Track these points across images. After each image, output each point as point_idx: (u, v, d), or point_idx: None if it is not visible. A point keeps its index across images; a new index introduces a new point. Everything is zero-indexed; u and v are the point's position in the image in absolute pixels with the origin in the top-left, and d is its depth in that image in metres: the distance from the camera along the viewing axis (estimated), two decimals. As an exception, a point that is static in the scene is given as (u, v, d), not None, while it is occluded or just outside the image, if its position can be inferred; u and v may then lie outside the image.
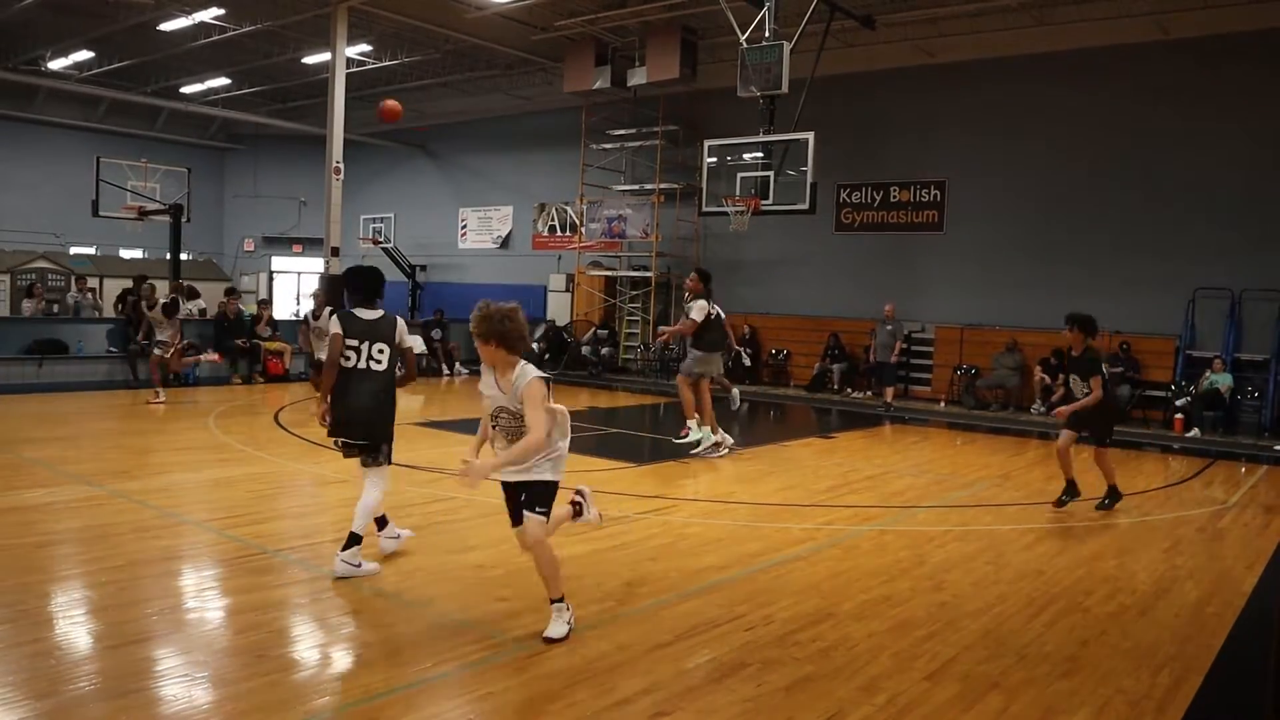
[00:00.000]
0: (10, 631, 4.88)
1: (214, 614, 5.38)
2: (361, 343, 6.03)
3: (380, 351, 6.07)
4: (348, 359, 6.01)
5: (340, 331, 6.03)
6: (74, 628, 5.11)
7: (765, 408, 17.69)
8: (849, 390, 18.79)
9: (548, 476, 4.93)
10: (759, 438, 13.70)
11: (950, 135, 18.68)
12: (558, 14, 18.76)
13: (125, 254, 27.32)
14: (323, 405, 6.18)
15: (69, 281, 22.84)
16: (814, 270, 20.34)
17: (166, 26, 20.23)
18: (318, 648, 4.93)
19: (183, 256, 20.90)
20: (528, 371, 4.75)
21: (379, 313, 6.17)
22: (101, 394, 15.39)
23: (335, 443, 6.24)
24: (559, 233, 24.49)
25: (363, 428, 6.10)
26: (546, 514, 4.95)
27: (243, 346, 17.79)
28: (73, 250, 26.08)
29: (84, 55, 23.40)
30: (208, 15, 19.48)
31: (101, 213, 20.31)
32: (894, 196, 19.45)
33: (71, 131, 27.33)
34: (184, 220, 20.29)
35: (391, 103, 13.10)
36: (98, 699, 4.16)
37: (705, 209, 17.22)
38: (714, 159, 16.74)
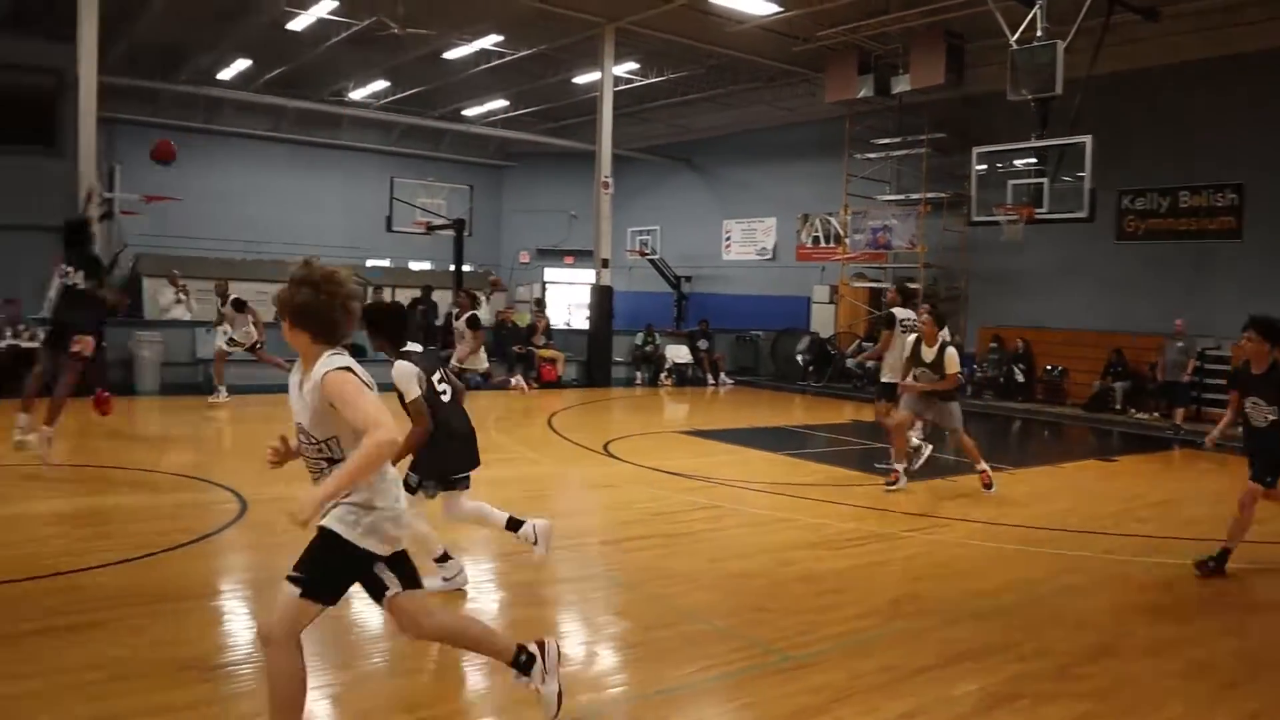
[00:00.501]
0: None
1: (490, 605, 5.71)
2: (442, 370, 5.72)
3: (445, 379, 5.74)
4: (444, 392, 5.62)
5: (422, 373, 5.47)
6: (369, 609, 5.50)
7: (1039, 427, 16.79)
8: (1133, 410, 17.46)
9: (335, 525, 3.31)
10: (1033, 458, 13.04)
11: (1248, 133, 16.98)
12: (819, 24, 18.61)
13: (414, 266, 29.40)
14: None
15: (366, 292, 24.87)
16: (1093, 282, 19.08)
17: (451, 55, 21.67)
18: (585, 645, 5.11)
19: (465, 268, 22.30)
20: (328, 364, 3.27)
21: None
22: (384, 395, 16.61)
23: (426, 490, 5.65)
24: (823, 244, 24.25)
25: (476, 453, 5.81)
26: (306, 588, 3.27)
27: (519, 353, 18.77)
28: (369, 263, 28.34)
29: (380, 85, 25.46)
30: (488, 42, 20.72)
31: (394, 228, 22.00)
32: (1184, 202, 17.93)
33: (369, 154, 29.78)
34: (466, 234, 21.64)
35: (165, 146, 12.39)
36: (386, 676, 4.52)
37: (975, 218, 16.55)
38: (983, 166, 16.07)
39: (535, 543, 5.80)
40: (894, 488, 9.29)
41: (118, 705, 3.97)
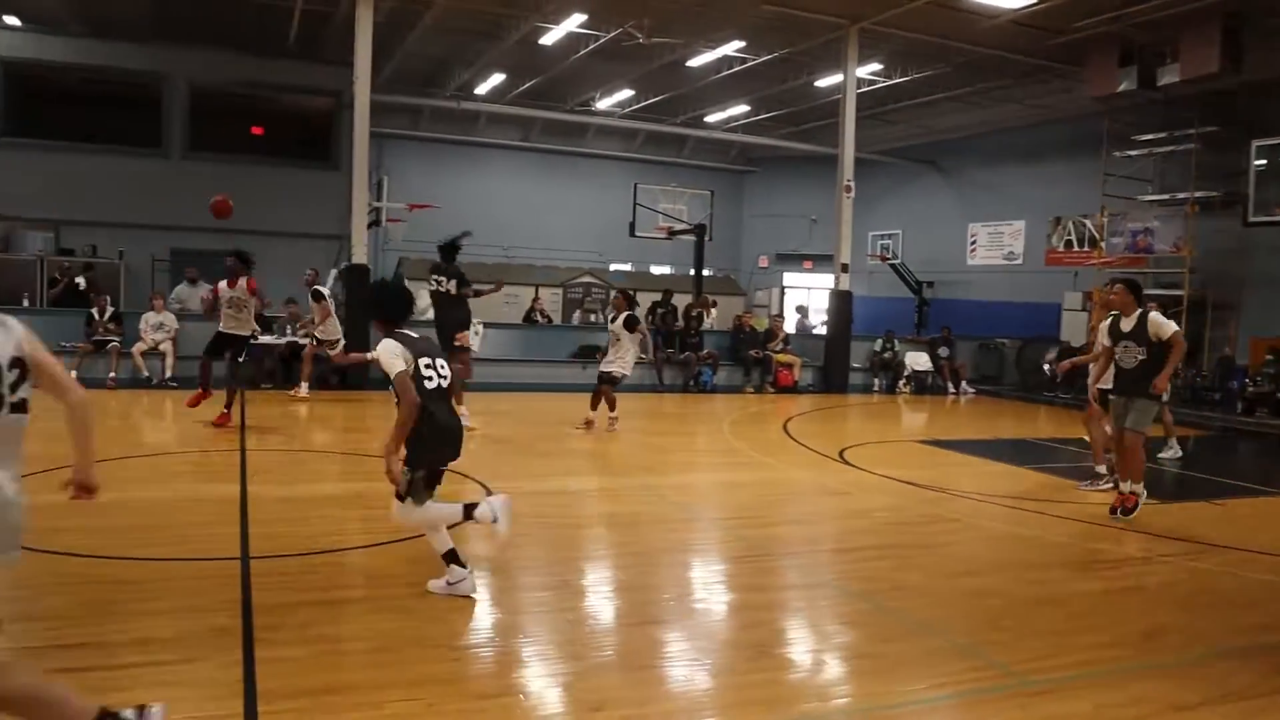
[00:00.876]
0: (554, 598, 5.62)
1: (719, 607, 5.76)
2: (434, 359, 5.42)
3: (443, 366, 5.49)
4: (429, 379, 5.33)
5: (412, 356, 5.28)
6: (602, 602, 5.76)
7: (1324, 447, 15.24)
8: None
9: None
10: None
11: None
12: (1077, 14, 17.55)
13: (655, 270, 30.02)
14: (394, 457, 5.27)
15: (608, 294, 25.65)
16: (1398, 287, 17.10)
17: (694, 62, 21.97)
18: (813, 652, 5.07)
19: (705, 272, 22.58)
20: None
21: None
22: (629, 396, 17.07)
23: (418, 478, 5.42)
24: (1076, 248, 22.98)
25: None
26: None
27: (755, 357, 18.83)
28: (612, 267, 29.21)
29: (625, 94, 26.16)
30: (730, 49, 20.86)
31: (637, 233, 22.57)
32: None
33: (613, 161, 30.65)
34: (706, 239, 21.92)
35: (222, 204, 12.46)
36: (616, 669, 4.64)
37: (1252, 219, 15.24)
38: (1263, 161, 14.78)
39: (495, 520, 5.51)
40: (1133, 513, 8.24)
41: (380, 675, 4.30)
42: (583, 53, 21.07)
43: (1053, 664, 4.81)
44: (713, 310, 22.31)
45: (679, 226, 22.41)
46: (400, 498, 5.40)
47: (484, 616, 5.35)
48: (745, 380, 18.88)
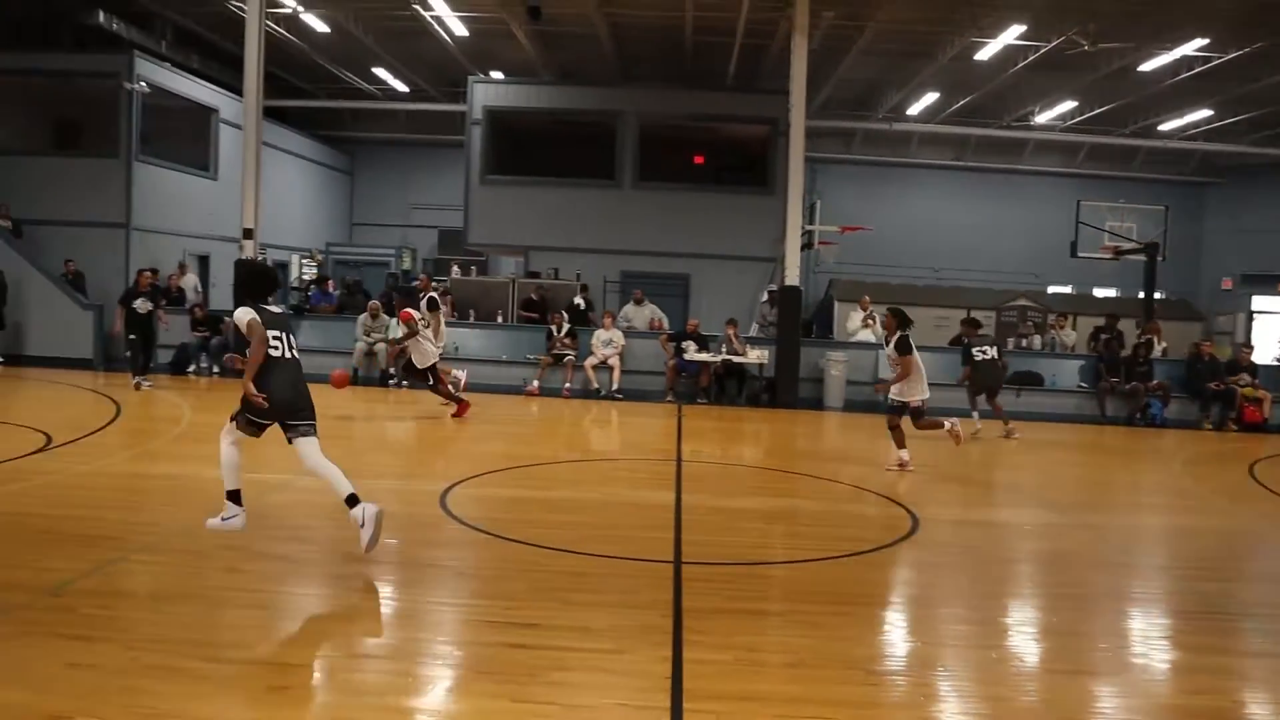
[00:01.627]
0: (977, 633, 5.46)
1: (1162, 665, 5.25)
2: (283, 334, 6.07)
3: (292, 341, 6.16)
4: (275, 348, 5.96)
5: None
6: (1029, 644, 5.50)
7: None
8: None
9: None
10: None
11: None
12: None
13: (1098, 293, 28.02)
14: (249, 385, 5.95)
15: (1045, 318, 24.28)
16: None
17: (1146, 66, 20.27)
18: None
19: (1156, 295, 20.75)
20: None
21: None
22: (1069, 426, 16.11)
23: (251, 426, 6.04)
24: None
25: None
26: None
27: (1216, 390, 16.83)
28: (1049, 289, 27.65)
29: (1067, 106, 24.71)
30: (1190, 48, 18.98)
31: (1079, 253, 21.23)
32: None
33: (1052, 178, 29.05)
34: (1159, 259, 20.15)
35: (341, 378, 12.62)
36: (1040, 717, 4.36)
37: None
38: None
39: (363, 525, 5.86)
40: None
41: (797, 689, 4.46)
42: (1020, 65, 20.27)
43: None
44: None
45: (1127, 245, 20.74)
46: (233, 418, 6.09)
47: (902, 644, 5.35)
48: (1202, 415, 16.96)
